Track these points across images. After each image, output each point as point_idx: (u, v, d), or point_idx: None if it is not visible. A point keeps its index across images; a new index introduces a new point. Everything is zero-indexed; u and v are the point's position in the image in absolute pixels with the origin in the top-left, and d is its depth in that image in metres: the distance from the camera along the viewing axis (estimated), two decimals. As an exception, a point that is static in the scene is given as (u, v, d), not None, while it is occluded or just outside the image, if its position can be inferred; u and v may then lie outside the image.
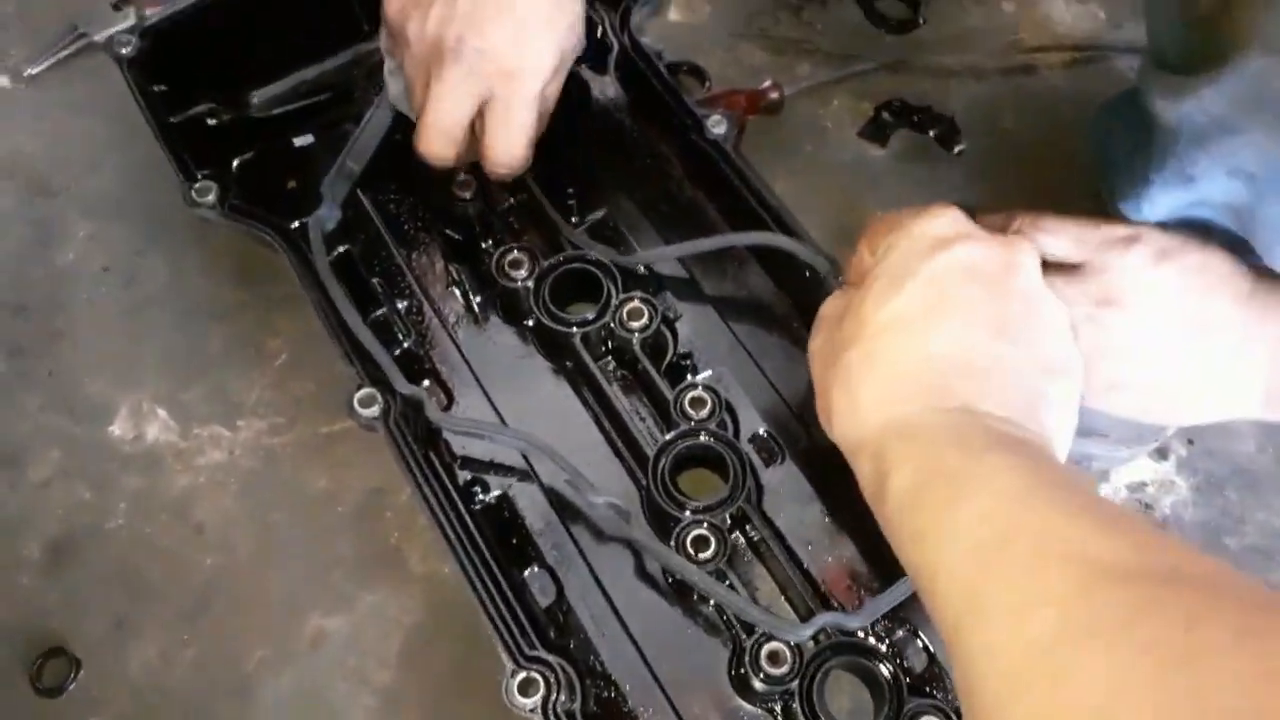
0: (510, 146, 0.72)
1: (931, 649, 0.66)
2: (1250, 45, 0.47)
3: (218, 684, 0.76)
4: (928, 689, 0.64)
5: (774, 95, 0.98)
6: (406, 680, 0.76)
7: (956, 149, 0.99)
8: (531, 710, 0.58)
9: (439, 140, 0.71)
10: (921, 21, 1.08)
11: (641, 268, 0.78)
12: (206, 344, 0.88)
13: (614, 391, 0.73)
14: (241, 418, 0.85)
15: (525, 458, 0.72)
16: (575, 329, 0.74)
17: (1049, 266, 0.55)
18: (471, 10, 0.67)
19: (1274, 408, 0.56)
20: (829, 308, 0.59)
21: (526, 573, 0.70)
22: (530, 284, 0.75)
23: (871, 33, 1.08)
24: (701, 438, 0.69)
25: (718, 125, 0.76)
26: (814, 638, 0.63)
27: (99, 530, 0.81)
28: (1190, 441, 0.87)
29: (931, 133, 1.00)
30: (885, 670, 0.64)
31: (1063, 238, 0.55)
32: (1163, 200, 0.59)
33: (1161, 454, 0.86)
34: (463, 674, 0.76)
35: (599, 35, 0.82)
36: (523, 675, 0.58)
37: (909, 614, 0.66)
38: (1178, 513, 0.85)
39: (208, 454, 0.84)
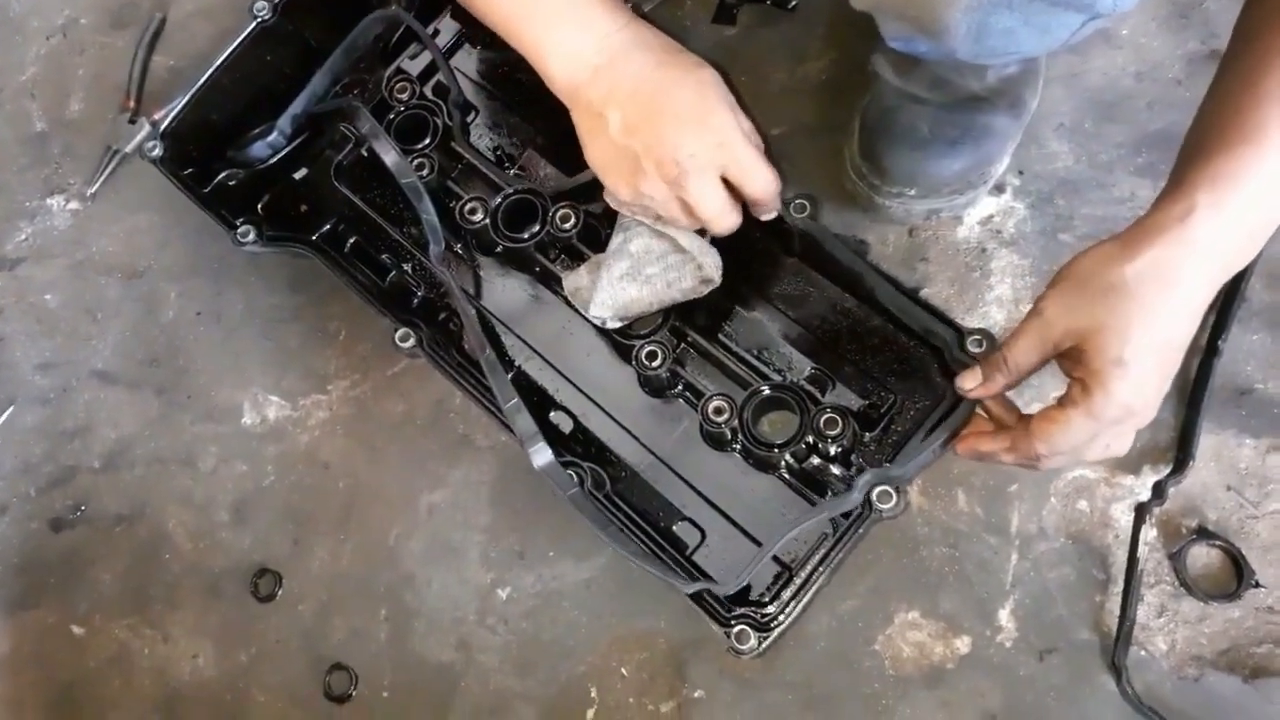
0: (763, 184, 0.84)
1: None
2: None
3: (373, 559, 1.08)
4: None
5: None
6: (498, 517, 1.07)
7: (791, 4, 1.22)
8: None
9: (727, 219, 0.85)
10: (741, -89, 1.29)
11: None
12: (287, 341, 1.18)
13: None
14: (329, 383, 1.15)
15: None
16: (529, 241, 1.02)
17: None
18: (660, 141, 0.80)
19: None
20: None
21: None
22: (487, 221, 1.02)
23: (704, -66, 1.30)
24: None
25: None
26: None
27: (260, 488, 1.13)
28: (1020, 171, 1.11)
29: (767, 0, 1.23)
30: None
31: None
32: None
33: (999, 189, 1.10)
34: (535, 501, 1.06)
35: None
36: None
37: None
38: (1020, 229, 1.09)
39: (315, 415, 1.15)
